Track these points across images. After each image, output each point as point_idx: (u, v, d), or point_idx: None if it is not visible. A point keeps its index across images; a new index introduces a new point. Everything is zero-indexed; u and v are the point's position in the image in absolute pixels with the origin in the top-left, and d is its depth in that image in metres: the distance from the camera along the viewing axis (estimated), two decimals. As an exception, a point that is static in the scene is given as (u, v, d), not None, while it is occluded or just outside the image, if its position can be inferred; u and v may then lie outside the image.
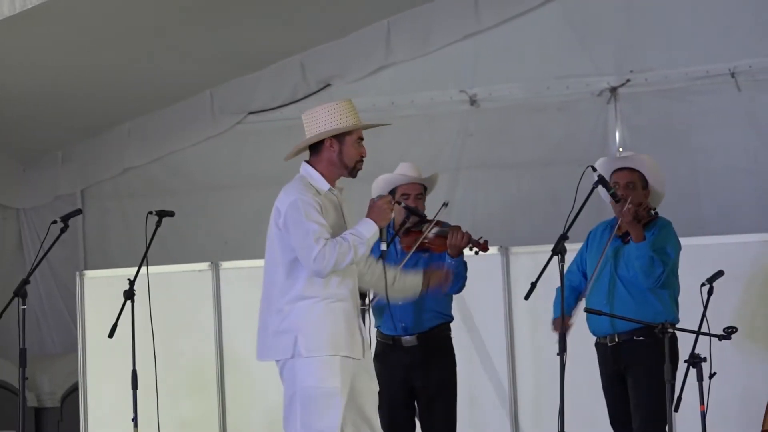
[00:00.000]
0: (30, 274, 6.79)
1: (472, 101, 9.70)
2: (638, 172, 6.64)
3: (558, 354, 6.00)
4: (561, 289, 6.19)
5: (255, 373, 8.44)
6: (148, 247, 7.26)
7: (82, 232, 10.56)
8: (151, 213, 7.29)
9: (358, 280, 5.74)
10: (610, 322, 6.53)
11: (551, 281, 6.19)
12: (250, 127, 10.22)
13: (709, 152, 9.19)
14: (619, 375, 6.61)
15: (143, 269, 7.25)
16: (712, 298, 6.29)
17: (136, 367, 7.19)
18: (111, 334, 7.07)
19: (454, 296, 7.03)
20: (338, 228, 5.57)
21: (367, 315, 6.48)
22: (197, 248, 9.97)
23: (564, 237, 6.11)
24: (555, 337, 6.03)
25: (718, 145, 9.17)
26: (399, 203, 6.59)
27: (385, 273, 5.88)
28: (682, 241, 6.69)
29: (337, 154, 5.65)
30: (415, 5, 9.69)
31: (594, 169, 6.42)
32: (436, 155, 9.57)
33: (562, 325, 6.16)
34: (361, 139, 5.69)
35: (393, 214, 6.05)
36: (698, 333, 6.19)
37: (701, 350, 6.12)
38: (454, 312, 7.03)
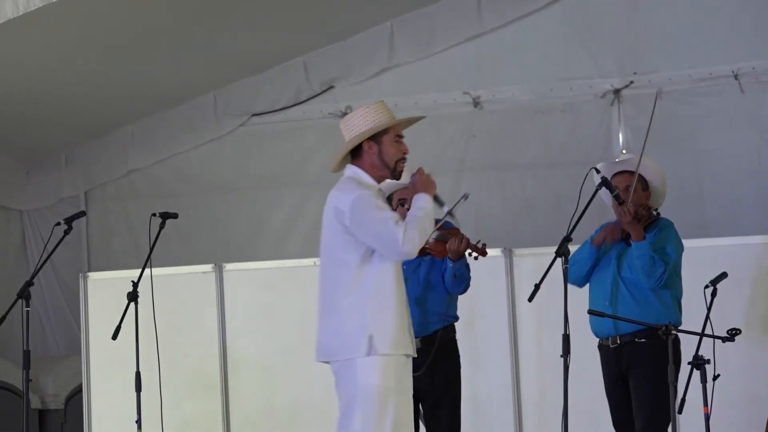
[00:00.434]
0: (33, 276, 6.80)
1: (476, 103, 9.70)
2: (638, 173, 6.64)
3: (561, 356, 6.00)
4: (564, 290, 6.18)
5: (259, 375, 8.45)
6: (151, 249, 7.26)
7: (86, 234, 10.56)
8: (154, 215, 7.30)
9: None
10: (612, 324, 6.54)
11: (555, 283, 6.19)
12: (254, 129, 10.22)
13: (712, 154, 9.19)
14: (622, 377, 6.61)
15: (147, 271, 7.25)
16: (715, 299, 6.29)
17: (140, 369, 7.20)
18: (115, 336, 7.07)
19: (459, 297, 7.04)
20: None
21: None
22: (201, 250, 9.97)
23: (567, 239, 6.12)
24: (558, 339, 6.03)
25: (721, 147, 9.17)
26: (402, 205, 6.58)
27: None
28: (686, 242, 6.69)
29: (377, 155, 5.60)
30: (418, 7, 9.69)
31: (597, 171, 6.43)
32: (439, 157, 9.57)
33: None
34: (400, 137, 5.64)
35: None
36: (702, 335, 6.19)
37: (705, 352, 6.13)
38: (458, 313, 7.03)
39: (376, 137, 5.61)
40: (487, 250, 6.72)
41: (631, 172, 6.63)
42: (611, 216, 6.88)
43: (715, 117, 9.20)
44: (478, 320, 8.03)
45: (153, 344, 7.21)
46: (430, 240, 6.69)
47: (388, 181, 6.70)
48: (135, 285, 7.21)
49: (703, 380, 6.07)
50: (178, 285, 8.58)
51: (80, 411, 8.78)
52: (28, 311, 6.59)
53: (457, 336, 6.91)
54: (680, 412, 6.09)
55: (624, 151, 9.10)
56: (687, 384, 6.08)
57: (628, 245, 6.59)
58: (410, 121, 5.77)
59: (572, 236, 6.14)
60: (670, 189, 6.85)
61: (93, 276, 8.86)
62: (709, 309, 6.24)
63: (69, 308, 10.43)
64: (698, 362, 6.07)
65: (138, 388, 7.21)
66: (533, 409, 8.02)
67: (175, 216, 7.37)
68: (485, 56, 9.68)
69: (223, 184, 10.30)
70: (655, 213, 6.76)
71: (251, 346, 8.49)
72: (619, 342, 6.57)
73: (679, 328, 6.30)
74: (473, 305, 7.83)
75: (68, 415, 9.75)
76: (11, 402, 9.24)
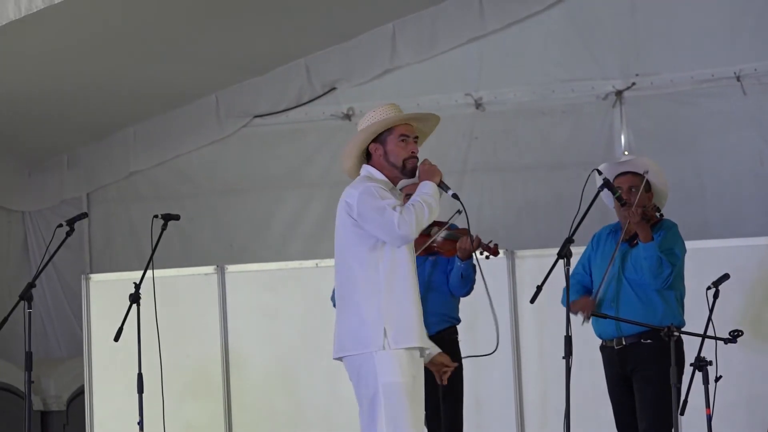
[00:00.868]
0: (36, 277, 6.79)
1: (478, 104, 9.70)
2: (640, 175, 6.63)
3: (564, 357, 5.99)
4: (566, 292, 6.18)
5: (261, 377, 8.45)
6: (153, 251, 7.26)
7: (88, 236, 10.56)
8: (156, 217, 7.29)
9: None
10: (615, 325, 6.53)
11: (557, 285, 6.19)
12: (256, 131, 10.22)
13: (714, 155, 9.19)
14: (625, 378, 6.61)
15: (149, 273, 7.25)
16: (718, 301, 6.29)
17: (142, 371, 7.19)
18: (117, 338, 7.07)
19: (461, 299, 7.04)
20: None
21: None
22: (203, 252, 9.98)
23: (569, 240, 6.11)
24: (561, 340, 6.02)
25: (723, 149, 9.17)
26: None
27: None
28: (688, 244, 6.69)
29: (384, 156, 5.60)
30: (419, 9, 9.69)
31: (599, 173, 6.43)
32: (441, 158, 9.47)
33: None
34: (407, 136, 5.60)
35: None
36: (704, 336, 6.19)
37: (707, 353, 6.12)
38: (460, 315, 7.04)
39: (380, 138, 5.61)
40: (489, 251, 6.74)
41: (634, 174, 6.63)
42: (613, 217, 6.88)
43: (717, 118, 9.19)
44: (480, 321, 8.03)
45: (155, 346, 7.21)
46: (438, 239, 6.69)
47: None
48: (137, 286, 7.20)
49: (705, 382, 6.07)
50: (180, 287, 8.59)
51: (82, 412, 8.78)
52: (30, 313, 6.58)
53: (460, 337, 6.90)
54: (682, 413, 6.08)
55: (626, 153, 9.09)
56: (689, 385, 6.07)
57: (632, 246, 6.59)
58: (412, 119, 5.70)
59: (574, 237, 6.13)
60: (672, 190, 6.85)
61: (95, 278, 8.86)
62: (711, 310, 6.24)
63: (71, 310, 10.43)
64: (700, 364, 6.07)
65: (140, 389, 7.20)
66: (535, 410, 8.02)
67: (177, 217, 7.36)
68: (487, 58, 9.68)
69: (225, 185, 10.30)
70: (658, 215, 6.76)
71: (253, 347, 8.49)
72: (623, 343, 6.56)
73: (682, 329, 6.30)
74: (476, 306, 7.82)
75: (70, 416, 9.74)
76: (13, 403, 9.23)
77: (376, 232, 5.45)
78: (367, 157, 5.67)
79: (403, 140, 5.61)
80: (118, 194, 10.59)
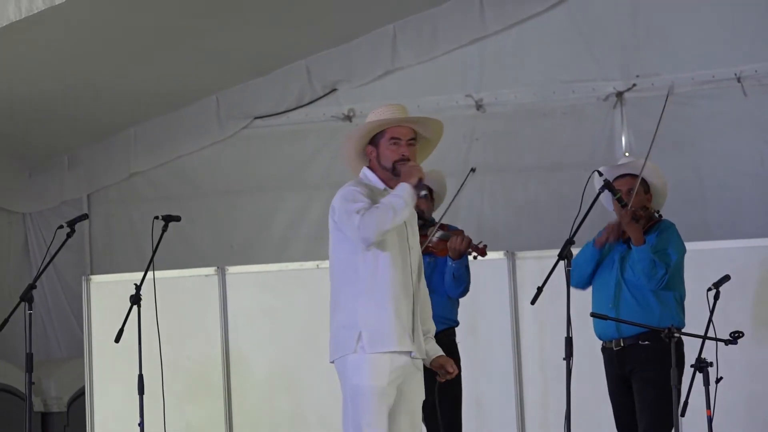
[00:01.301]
0: (36, 278, 6.79)
1: (478, 106, 9.70)
2: (639, 176, 6.64)
3: (564, 358, 5.99)
4: (567, 293, 6.18)
5: (261, 378, 8.45)
6: (154, 252, 7.26)
7: (89, 237, 10.56)
8: (157, 218, 7.30)
9: None
10: (615, 327, 6.54)
11: (558, 286, 6.18)
12: (256, 132, 10.23)
13: (715, 157, 9.19)
14: (625, 379, 6.61)
15: (149, 274, 7.25)
16: (718, 302, 6.29)
17: (143, 372, 7.19)
18: (117, 339, 7.07)
19: (461, 300, 7.04)
20: (400, 226, 5.47)
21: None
22: (203, 253, 9.98)
23: (570, 241, 6.11)
24: (561, 341, 6.01)
25: (724, 150, 9.17)
26: None
27: None
28: (688, 245, 6.69)
29: (377, 159, 5.58)
30: (420, 10, 9.69)
31: (600, 174, 6.43)
32: (441, 160, 9.50)
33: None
34: (398, 138, 5.54)
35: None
36: (705, 338, 6.19)
37: (708, 355, 6.12)
38: (461, 316, 7.05)
39: (374, 141, 5.59)
40: (490, 252, 6.74)
41: (633, 176, 6.63)
42: (613, 219, 6.88)
43: (717, 120, 9.20)
44: (480, 322, 8.04)
45: (156, 347, 7.21)
46: (434, 239, 6.70)
47: None
48: (138, 288, 7.20)
49: (706, 383, 6.07)
50: (181, 288, 8.59)
51: (83, 414, 8.78)
52: (30, 314, 6.58)
53: (460, 338, 6.90)
54: (683, 415, 6.08)
55: (627, 154, 9.09)
56: (690, 387, 6.07)
57: (630, 247, 6.59)
58: (405, 122, 5.62)
59: (575, 239, 6.13)
60: (672, 192, 6.85)
61: (96, 279, 8.87)
62: (711, 312, 6.24)
63: (72, 311, 10.43)
64: (701, 365, 6.07)
65: (140, 390, 7.20)
66: (536, 411, 8.02)
67: (177, 219, 7.37)
68: (488, 59, 9.68)
69: (226, 186, 10.30)
70: (657, 215, 6.76)
71: (254, 348, 8.49)
72: (622, 344, 6.57)
73: (682, 330, 6.30)
74: (476, 307, 7.83)
75: (71, 418, 9.74)
76: (14, 405, 9.24)
77: (348, 235, 5.45)
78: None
79: (394, 143, 5.55)
80: (119, 195, 10.59)
